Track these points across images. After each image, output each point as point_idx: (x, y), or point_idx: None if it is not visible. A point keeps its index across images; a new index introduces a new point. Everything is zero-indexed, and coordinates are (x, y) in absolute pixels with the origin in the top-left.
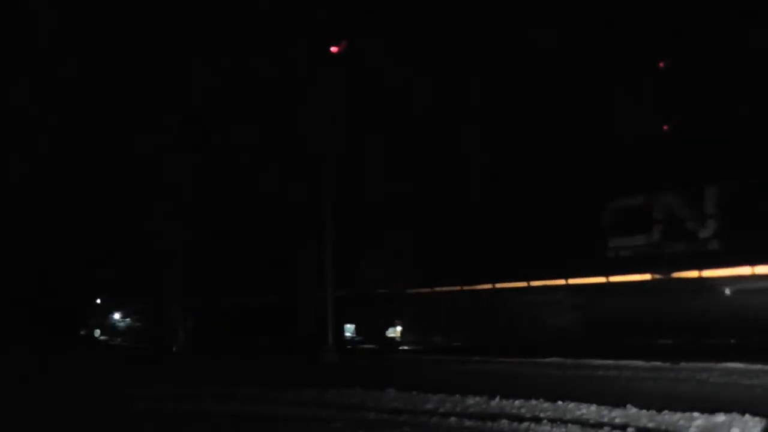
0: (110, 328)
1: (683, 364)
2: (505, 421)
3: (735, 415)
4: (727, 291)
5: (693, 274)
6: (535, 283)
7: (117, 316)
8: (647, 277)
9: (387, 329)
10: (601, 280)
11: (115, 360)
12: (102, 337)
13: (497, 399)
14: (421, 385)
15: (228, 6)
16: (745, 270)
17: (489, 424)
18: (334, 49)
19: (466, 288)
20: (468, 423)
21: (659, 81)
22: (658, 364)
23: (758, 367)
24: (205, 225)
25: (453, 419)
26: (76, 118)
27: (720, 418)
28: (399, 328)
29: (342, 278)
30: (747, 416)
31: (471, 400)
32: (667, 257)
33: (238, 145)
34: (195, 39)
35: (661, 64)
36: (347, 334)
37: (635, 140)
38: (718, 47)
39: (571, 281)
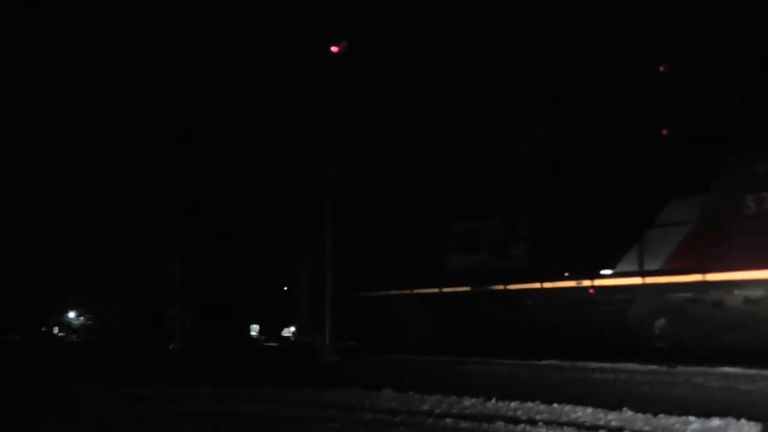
0: (66, 326)
1: (680, 368)
2: (500, 423)
3: (730, 420)
4: (529, 301)
5: (499, 287)
6: (393, 292)
7: (72, 314)
8: (467, 288)
9: (282, 329)
10: (435, 290)
11: (108, 359)
12: (60, 334)
13: (493, 401)
14: (419, 386)
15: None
16: (535, 285)
17: (485, 425)
18: (334, 48)
19: (347, 295)
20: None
21: (660, 84)
22: (654, 367)
23: (754, 371)
24: (204, 224)
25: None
26: (74, 113)
27: (715, 422)
28: (293, 329)
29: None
30: (743, 421)
31: (467, 401)
32: (487, 272)
33: (239, 145)
34: (194, 37)
35: (661, 68)
36: (252, 333)
37: (635, 142)
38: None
39: (417, 291)
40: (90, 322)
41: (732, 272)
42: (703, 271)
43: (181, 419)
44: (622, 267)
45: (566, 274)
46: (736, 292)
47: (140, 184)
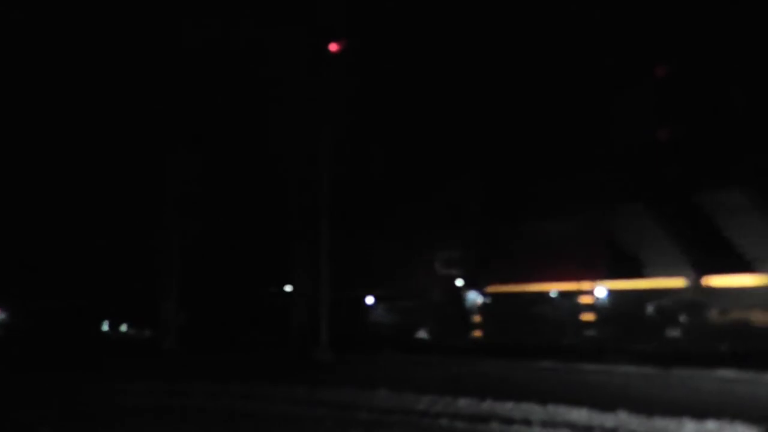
0: None
1: (675, 371)
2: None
3: (725, 423)
4: None
5: None
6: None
7: None
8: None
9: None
10: None
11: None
12: None
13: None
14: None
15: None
16: None
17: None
18: (333, 47)
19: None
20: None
21: (659, 88)
22: (649, 369)
23: (750, 375)
24: (198, 220)
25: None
26: (71, 114)
27: (710, 425)
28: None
29: None
30: (737, 423)
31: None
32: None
33: (235, 142)
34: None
35: (660, 72)
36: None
37: (631, 147)
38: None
39: None
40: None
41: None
42: None
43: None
44: None
45: None
46: None
47: (139, 182)
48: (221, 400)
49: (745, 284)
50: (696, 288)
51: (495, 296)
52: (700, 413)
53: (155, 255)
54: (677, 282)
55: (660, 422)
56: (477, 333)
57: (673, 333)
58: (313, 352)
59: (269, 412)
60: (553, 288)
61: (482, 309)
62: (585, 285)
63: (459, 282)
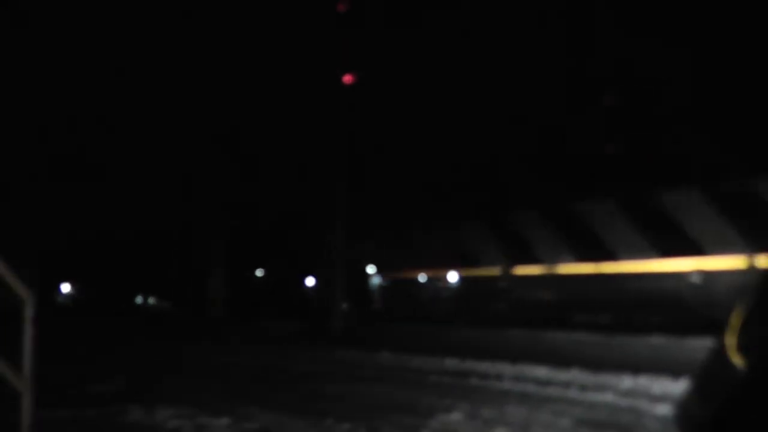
0: None
1: (618, 338)
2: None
3: (657, 376)
4: None
5: None
6: None
7: None
8: None
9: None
10: None
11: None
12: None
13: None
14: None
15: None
16: None
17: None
18: (347, 78)
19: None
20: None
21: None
22: (598, 337)
23: (678, 341)
24: (238, 218)
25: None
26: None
27: (644, 378)
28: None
29: None
30: (665, 377)
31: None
32: None
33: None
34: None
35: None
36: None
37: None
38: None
39: None
40: None
41: None
42: None
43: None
44: None
45: None
46: None
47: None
48: (260, 359)
49: (535, 272)
50: (507, 275)
51: (392, 280)
52: (637, 370)
53: (203, 242)
54: (496, 271)
55: (604, 377)
56: (377, 305)
57: (500, 305)
58: (328, 321)
59: (296, 369)
60: (424, 275)
61: (382, 289)
62: (443, 272)
63: (370, 269)
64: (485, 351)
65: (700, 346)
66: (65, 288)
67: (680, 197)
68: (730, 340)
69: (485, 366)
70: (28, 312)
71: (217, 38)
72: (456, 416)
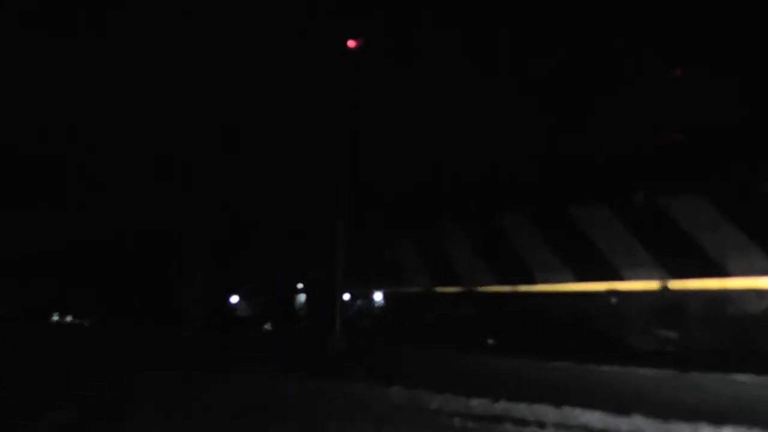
0: None
1: (693, 374)
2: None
3: (743, 428)
4: None
5: None
6: None
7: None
8: None
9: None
10: None
11: None
12: None
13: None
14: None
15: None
16: None
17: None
18: (351, 43)
19: None
20: None
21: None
22: (665, 372)
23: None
24: (221, 210)
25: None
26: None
27: (728, 430)
28: None
29: None
30: (756, 429)
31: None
32: None
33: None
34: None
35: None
36: None
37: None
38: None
39: None
40: None
41: None
42: None
43: None
44: None
45: None
46: None
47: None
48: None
49: (452, 291)
50: (429, 292)
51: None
52: (718, 418)
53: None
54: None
55: (675, 426)
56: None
57: (430, 320)
58: (327, 340)
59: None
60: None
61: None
62: (369, 290)
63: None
64: None
65: None
66: None
67: (590, 213)
68: None
69: None
70: None
71: (216, 38)
72: None
